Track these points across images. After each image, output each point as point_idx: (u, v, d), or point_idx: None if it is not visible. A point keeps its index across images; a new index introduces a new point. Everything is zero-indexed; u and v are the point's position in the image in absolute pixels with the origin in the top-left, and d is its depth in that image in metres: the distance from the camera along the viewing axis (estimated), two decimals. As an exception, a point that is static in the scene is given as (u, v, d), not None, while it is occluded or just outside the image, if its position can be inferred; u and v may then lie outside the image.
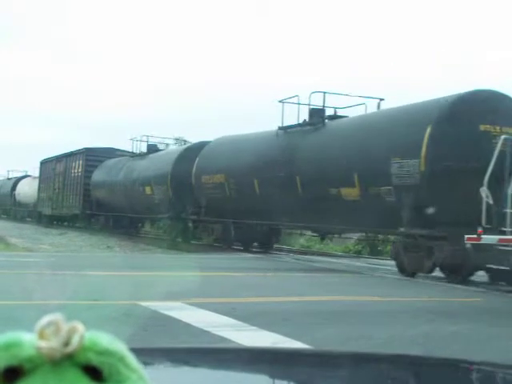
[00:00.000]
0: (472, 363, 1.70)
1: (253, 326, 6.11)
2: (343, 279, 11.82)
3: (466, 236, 10.99)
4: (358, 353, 2.00)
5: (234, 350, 2.18)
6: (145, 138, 28.67)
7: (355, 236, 20.33)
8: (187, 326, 6.02)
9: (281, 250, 20.66)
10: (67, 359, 0.58)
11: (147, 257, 17.17)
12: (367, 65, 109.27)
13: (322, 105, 16.85)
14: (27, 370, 0.58)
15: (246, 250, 19.27)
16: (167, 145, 27.82)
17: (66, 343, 0.58)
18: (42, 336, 0.58)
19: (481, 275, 12.07)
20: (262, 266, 13.42)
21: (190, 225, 22.27)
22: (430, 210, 11.70)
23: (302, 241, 23.35)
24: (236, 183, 18.35)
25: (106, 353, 0.59)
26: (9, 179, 50.46)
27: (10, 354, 0.58)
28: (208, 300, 7.62)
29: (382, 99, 16.46)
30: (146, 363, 0.65)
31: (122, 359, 0.59)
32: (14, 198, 45.52)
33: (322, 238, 19.16)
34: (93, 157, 31.45)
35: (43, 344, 0.57)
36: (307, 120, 16.66)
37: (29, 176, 46.36)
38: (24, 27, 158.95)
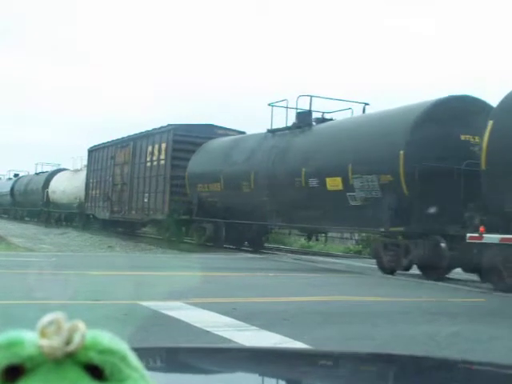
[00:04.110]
0: (473, 363, 1.70)
1: (253, 326, 6.10)
2: (344, 279, 11.81)
3: (468, 235, 10.90)
4: (358, 353, 2.00)
5: (235, 350, 2.18)
6: (302, 103, 17.29)
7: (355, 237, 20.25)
8: (188, 325, 6.02)
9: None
10: (69, 358, 0.58)
11: (148, 256, 17.17)
12: (359, 70, 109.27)
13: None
14: (28, 369, 0.58)
15: None
16: (310, 112, 16.96)
17: (68, 342, 0.58)
18: (43, 335, 0.58)
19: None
20: (263, 267, 13.42)
21: (443, 245, 11.78)
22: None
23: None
24: None
25: (107, 352, 0.59)
26: (37, 174, 40.84)
27: (12, 353, 0.58)
28: (208, 300, 7.61)
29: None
30: (146, 362, 0.65)
31: (123, 358, 0.59)
32: (47, 196, 36.05)
33: None
34: (183, 137, 21.52)
35: (44, 342, 0.57)
36: None
37: (65, 169, 37.20)
38: (24, 28, 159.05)
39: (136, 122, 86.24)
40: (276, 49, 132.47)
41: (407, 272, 12.65)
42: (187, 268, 11.62)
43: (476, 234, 10.71)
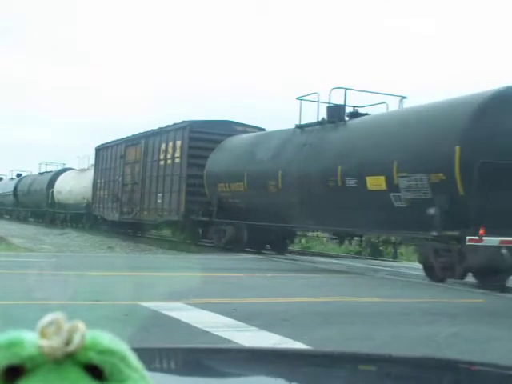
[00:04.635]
0: (473, 364, 1.70)
1: (253, 326, 6.10)
2: (344, 280, 11.81)
3: (468, 237, 10.63)
4: (358, 353, 2.00)
5: (234, 351, 2.18)
6: (335, 98, 15.65)
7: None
8: (188, 326, 6.02)
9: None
10: (68, 358, 0.58)
11: (148, 257, 17.17)
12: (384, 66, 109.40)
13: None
14: (28, 369, 0.58)
15: None
16: (343, 106, 15.63)
17: (68, 342, 0.58)
18: (43, 335, 0.58)
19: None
20: (263, 267, 13.40)
21: (505, 251, 10.62)
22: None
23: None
24: None
25: (107, 352, 0.59)
26: (41, 174, 39.71)
27: (12, 353, 0.58)
28: (208, 300, 7.61)
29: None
30: (146, 363, 0.65)
31: (123, 358, 0.60)
32: (52, 197, 34.73)
33: None
34: (200, 134, 20.16)
35: (44, 343, 0.57)
36: None
37: (70, 169, 36.03)
38: (24, 28, 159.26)
39: (136, 122, 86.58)
40: (275, 49, 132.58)
41: (461, 280, 11.38)
42: (187, 269, 11.62)
43: (475, 237, 10.52)
